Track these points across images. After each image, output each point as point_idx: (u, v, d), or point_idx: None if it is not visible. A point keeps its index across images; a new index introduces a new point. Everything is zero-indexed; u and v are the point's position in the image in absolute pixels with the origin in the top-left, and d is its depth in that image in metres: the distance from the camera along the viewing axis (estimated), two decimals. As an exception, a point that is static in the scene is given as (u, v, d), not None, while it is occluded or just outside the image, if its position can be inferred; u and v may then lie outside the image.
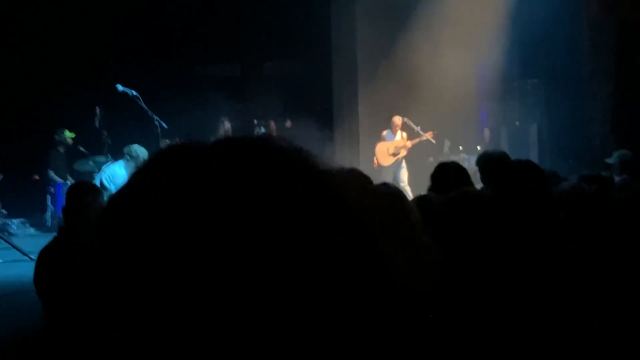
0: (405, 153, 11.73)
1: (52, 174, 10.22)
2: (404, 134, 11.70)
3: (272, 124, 11.86)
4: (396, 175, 11.62)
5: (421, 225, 2.84)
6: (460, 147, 13.36)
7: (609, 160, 7.83)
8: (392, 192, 3.33)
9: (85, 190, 3.83)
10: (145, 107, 8.05)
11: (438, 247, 2.63)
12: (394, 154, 11.65)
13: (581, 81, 12.31)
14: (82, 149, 10.22)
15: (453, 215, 2.69)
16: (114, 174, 8.04)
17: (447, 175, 3.99)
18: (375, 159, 11.67)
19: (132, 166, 8.14)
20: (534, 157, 12.11)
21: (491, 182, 4.30)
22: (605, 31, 12.20)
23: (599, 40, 12.24)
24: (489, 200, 2.64)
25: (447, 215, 2.72)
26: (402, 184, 11.16)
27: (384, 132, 11.72)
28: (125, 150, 8.23)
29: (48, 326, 3.61)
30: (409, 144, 11.62)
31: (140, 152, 8.20)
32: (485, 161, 4.58)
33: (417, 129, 11.80)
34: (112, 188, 7.70)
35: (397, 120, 11.69)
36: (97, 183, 8.09)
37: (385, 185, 3.90)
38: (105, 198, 3.69)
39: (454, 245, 2.68)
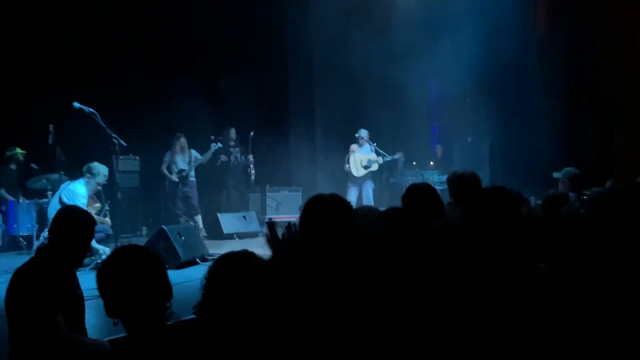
0: (376, 168, 11.86)
1: (3, 191, 9.94)
2: (373, 148, 11.81)
3: (233, 130, 11.84)
4: (364, 189, 11.75)
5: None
6: (414, 163, 13.54)
7: (556, 175, 8.02)
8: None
9: (78, 216, 3.78)
10: (103, 125, 7.91)
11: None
12: (366, 167, 11.75)
13: (530, 97, 12.61)
14: (34, 166, 9.98)
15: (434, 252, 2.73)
16: (74, 191, 7.87)
17: (419, 198, 4.04)
18: (348, 165, 11.74)
19: (92, 183, 8.01)
20: (486, 173, 12.36)
21: (461, 203, 4.38)
22: (553, 47, 12.53)
23: (547, 57, 12.56)
24: (466, 233, 2.70)
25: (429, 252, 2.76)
26: (366, 202, 11.32)
27: (353, 146, 11.80)
28: (85, 168, 8.08)
29: (17, 346, 3.52)
30: (380, 160, 11.71)
31: (101, 169, 8.09)
32: (456, 181, 4.66)
33: (374, 146, 11.90)
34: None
35: (364, 133, 11.79)
36: (56, 200, 7.94)
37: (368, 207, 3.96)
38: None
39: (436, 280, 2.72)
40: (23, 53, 10.58)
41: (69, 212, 3.85)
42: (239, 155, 11.86)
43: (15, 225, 9.61)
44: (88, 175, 8.06)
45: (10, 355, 3.61)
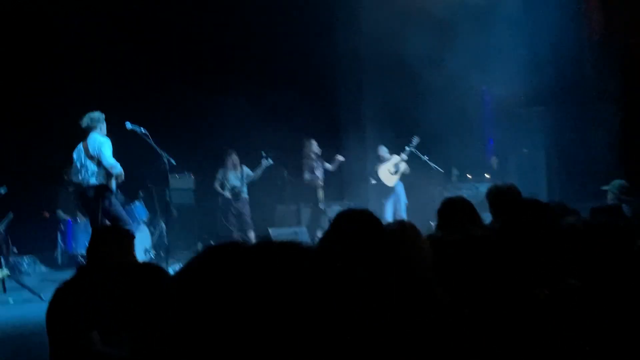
0: (406, 168, 11.75)
1: (60, 212, 10.27)
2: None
3: (314, 142, 11.78)
4: (399, 197, 11.67)
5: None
6: (469, 176, 13.36)
7: (605, 187, 7.80)
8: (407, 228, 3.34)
9: (115, 235, 3.86)
10: (154, 144, 8.11)
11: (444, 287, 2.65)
12: (395, 172, 11.66)
13: (586, 104, 12.32)
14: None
15: (457, 257, 2.71)
16: (102, 142, 7.82)
17: (454, 212, 3.99)
18: (374, 180, 11.74)
19: (104, 130, 7.98)
20: (542, 184, 12.12)
21: (500, 217, 4.31)
22: (608, 52, 12.23)
23: (602, 62, 12.26)
24: (491, 243, 2.65)
25: (452, 257, 2.74)
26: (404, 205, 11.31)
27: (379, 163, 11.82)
28: (87, 122, 7.93)
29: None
30: (404, 156, 11.60)
31: (96, 115, 7.98)
32: (495, 195, 4.59)
33: (425, 158, 11.80)
34: (102, 151, 7.73)
35: (383, 150, 11.91)
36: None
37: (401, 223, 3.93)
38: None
39: (459, 285, 2.69)
40: (80, 75, 10.95)
41: (105, 232, 3.94)
42: (322, 169, 11.73)
43: (73, 244, 9.93)
44: (99, 125, 7.95)
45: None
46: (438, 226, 4.00)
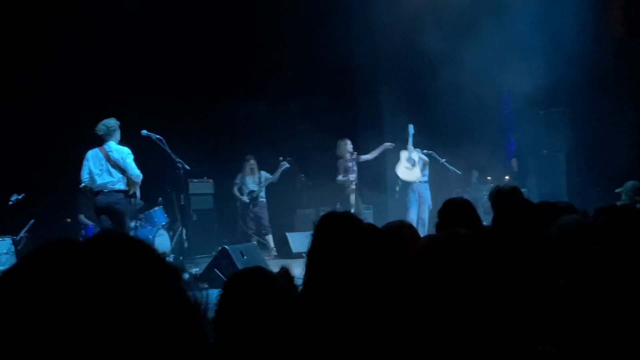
0: (417, 156, 11.23)
1: (82, 217, 10.45)
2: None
3: (348, 142, 11.45)
4: (424, 199, 11.24)
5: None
6: (489, 178, 13.31)
7: (618, 190, 7.75)
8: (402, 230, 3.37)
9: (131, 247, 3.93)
10: (169, 150, 8.23)
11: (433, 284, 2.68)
12: (412, 165, 11.14)
13: (606, 105, 12.19)
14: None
15: (441, 255, 2.74)
16: (125, 154, 7.97)
17: (453, 212, 4.02)
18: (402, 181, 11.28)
19: (118, 138, 8.08)
20: (562, 186, 12.04)
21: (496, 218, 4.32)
22: (629, 54, 12.11)
23: (623, 62, 12.14)
24: (475, 242, 2.68)
25: (437, 255, 2.78)
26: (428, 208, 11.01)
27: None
28: (102, 130, 8.03)
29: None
30: (410, 147, 11.17)
31: (112, 122, 8.07)
32: (495, 196, 4.61)
33: (443, 161, 11.74)
34: (128, 162, 7.90)
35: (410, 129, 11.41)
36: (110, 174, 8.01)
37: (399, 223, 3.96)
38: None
39: (446, 283, 2.72)
40: (95, 83, 11.14)
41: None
42: (356, 169, 11.37)
43: (94, 249, 10.06)
44: (115, 133, 8.03)
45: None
46: (437, 226, 4.04)
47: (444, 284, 2.60)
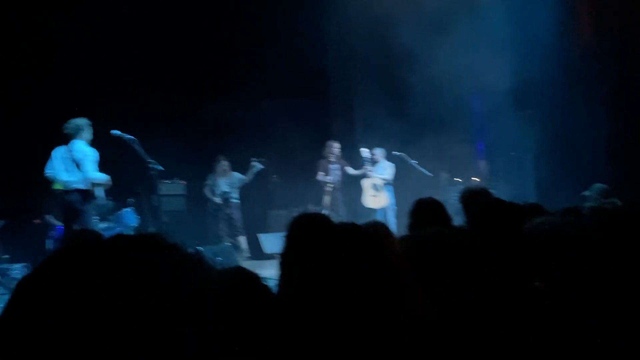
0: (379, 180, 11.67)
1: (51, 218, 10.33)
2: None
3: (333, 144, 11.72)
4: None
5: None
6: (458, 179, 13.43)
7: (585, 192, 7.90)
8: (377, 229, 3.40)
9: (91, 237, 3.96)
10: (141, 151, 8.18)
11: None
12: (377, 191, 11.62)
13: (574, 109, 12.38)
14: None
15: (424, 256, 2.76)
16: (85, 155, 8.01)
17: (424, 212, 4.07)
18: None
19: (88, 138, 8.14)
20: (531, 188, 12.20)
21: (471, 218, 4.38)
22: (597, 59, 12.30)
23: (591, 69, 12.33)
24: (459, 240, 2.72)
25: (419, 256, 2.80)
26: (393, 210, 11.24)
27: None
28: (71, 129, 8.10)
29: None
30: (368, 168, 11.62)
31: (80, 122, 8.14)
32: (467, 197, 4.67)
33: (414, 163, 11.86)
34: (86, 163, 7.92)
35: (377, 151, 11.87)
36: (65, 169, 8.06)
37: (373, 223, 3.99)
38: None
39: (427, 284, 2.75)
40: (65, 82, 11.03)
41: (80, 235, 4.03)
42: (338, 173, 11.69)
43: (63, 250, 9.95)
44: (81, 132, 8.08)
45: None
46: (409, 226, 4.08)
47: (430, 285, 2.63)
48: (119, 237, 0.79)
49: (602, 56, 12.28)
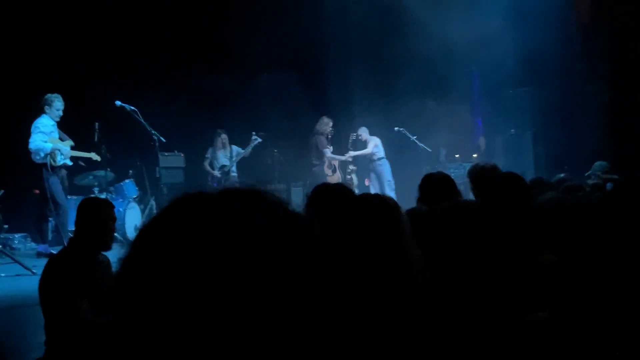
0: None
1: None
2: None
3: (325, 120, 11.89)
4: (381, 175, 11.95)
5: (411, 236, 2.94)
6: (457, 156, 13.49)
7: (588, 173, 7.96)
8: (387, 202, 3.43)
9: (99, 205, 3.99)
10: (143, 122, 8.20)
11: (425, 257, 2.73)
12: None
13: (573, 86, 12.41)
14: (81, 163, 10.32)
15: (442, 226, 2.80)
16: (39, 122, 8.44)
17: (434, 186, 4.10)
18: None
19: (53, 113, 8.51)
20: (529, 165, 12.24)
21: (480, 194, 4.42)
22: (596, 36, 12.30)
23: (590, 46, 12.34)
24: (474, 211, 2.75)
25: (436, 226, 2.83)
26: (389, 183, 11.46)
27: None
28: (41, 102, 8.50)
29: (50, 334, 3.73)
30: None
31: (53, 97, 8.51)
32: (476, 173, 4.70)
33: (413, 138, 11.90)
34: (32, 137, 8.31)
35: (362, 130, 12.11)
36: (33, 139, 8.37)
37: (380, 195, 4.01)
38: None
39: (441, 254, 2.78)
40: (68, 53, 10.97)
41: (88, 201, 4.06)
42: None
43: (64, 220, 9.96)
44: (47, 107, 8.48)
45: (46, 342, 3.82)
46: (419, 200, 4.10)
47: (438, 256, 2.67)
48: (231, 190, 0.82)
49: (601, 33, 12.28)
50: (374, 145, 11.86)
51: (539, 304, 2.80)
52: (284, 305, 0.71)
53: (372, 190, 11.41)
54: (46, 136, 8.31)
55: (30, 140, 8.24)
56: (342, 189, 3.19)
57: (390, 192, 11.44)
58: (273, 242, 0.74)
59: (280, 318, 0.71)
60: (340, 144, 12.36)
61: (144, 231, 0.78)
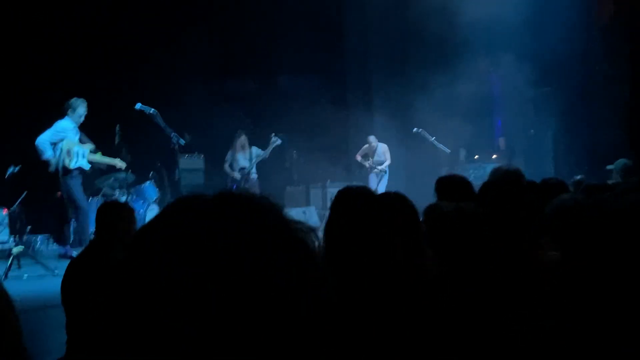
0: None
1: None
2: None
3: None
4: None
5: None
6: (476, 157, 13.43)
7: (610, 167, 7.92)
8: (402, 198, 3.43)
9: (118, 209, 4.05)
10: (163, 125, 8.27)
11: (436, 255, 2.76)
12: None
13: (593, 86, 12.33)
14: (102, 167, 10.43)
15: (448, 229, 2.82)
16: (58, 125, 8.61)
17: (450, 188, 4.11)
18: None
19: (75, 117, 8.65)
20: (549, 165, 12.18)
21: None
22: (617, 36, 12.20)
23: (611, 46, 12.24)
24: (479, 217, 2.77)
25: (444, 228, 2.86)
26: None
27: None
28: (65, 105, 8.65)
29: (71, 334, 3.79)
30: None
31: (79, 102, 8.66)
32: (500, 177, 4.69)
33: (432, 139, 11.87)
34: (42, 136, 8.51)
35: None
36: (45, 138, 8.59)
37: (395, 193, 4.02)
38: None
39: (449, 255, 2.81)
40: (91, 58, 11.10)
41: (108, 206, 4.12)
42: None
43: (84, 221, 10.07)
44: (70, 111, 8.63)
45: (68, 342, 3.88)
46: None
47: (451, 257, 2.69)
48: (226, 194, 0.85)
49: (620, 35, 12.18)
50: (388, 153, 12.03)
51: (541, 302, 2.81)
52: (282, 300, 0.74)
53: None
54: (56, 135, 8.52)
55: (39, 137, 8.49)
56: (364, 190, 3.23)
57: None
58: (264, 243, 0.77)
59: (279, 315, 0.73)
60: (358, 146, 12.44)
61: (143, 231, 0.81)
